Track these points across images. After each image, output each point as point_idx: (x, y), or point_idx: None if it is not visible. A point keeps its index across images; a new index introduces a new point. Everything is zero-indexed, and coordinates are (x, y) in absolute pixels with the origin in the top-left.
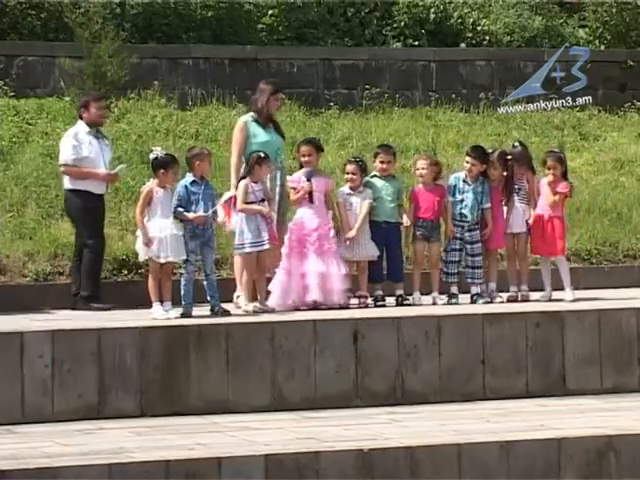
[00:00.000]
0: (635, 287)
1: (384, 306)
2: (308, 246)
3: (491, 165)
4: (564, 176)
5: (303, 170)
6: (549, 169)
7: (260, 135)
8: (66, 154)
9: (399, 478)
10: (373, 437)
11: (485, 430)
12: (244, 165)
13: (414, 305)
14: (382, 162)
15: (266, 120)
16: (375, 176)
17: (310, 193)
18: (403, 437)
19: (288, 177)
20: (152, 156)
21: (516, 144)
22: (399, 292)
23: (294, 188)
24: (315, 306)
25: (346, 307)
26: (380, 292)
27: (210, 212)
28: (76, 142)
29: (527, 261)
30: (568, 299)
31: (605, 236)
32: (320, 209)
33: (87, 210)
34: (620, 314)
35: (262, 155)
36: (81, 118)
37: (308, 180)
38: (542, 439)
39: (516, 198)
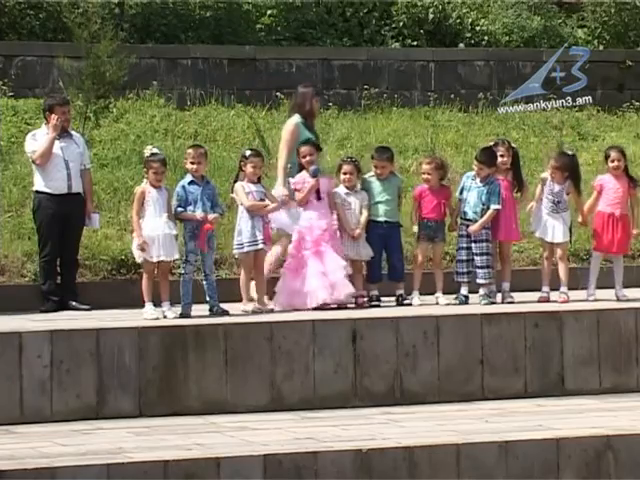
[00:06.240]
0: (634, 287)
1: (379, 306)
2: (323, 244)
3: (505, 154)
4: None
5: (311, 168)
6: (613, 161)
7: (308, 138)
8: (29, 149)
9: (397, 478)
10: (371, 437)
11: (484, 430)
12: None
13: (412, 305)
14: (376, 166)
15: (312, 122)
16: (372, 176)
17: (317, 191)
18: (401, 437)
19: (290, 179)
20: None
21: (569, 152)
22: (399, 292)
23: (297, 189)
24: (323, 306)
25: (344, 307)
26: (376, 292)
27: (210, 215)
28: (34, 140)
29: (567, 261)
30: (623, 298)
31: None
32: (326, 208)
33: (44, 214)
34: (619, 314)
35: (247, 153)
36: (46, 120)
37: (314, 177)
38: (541, 439)
39: (555, 209)
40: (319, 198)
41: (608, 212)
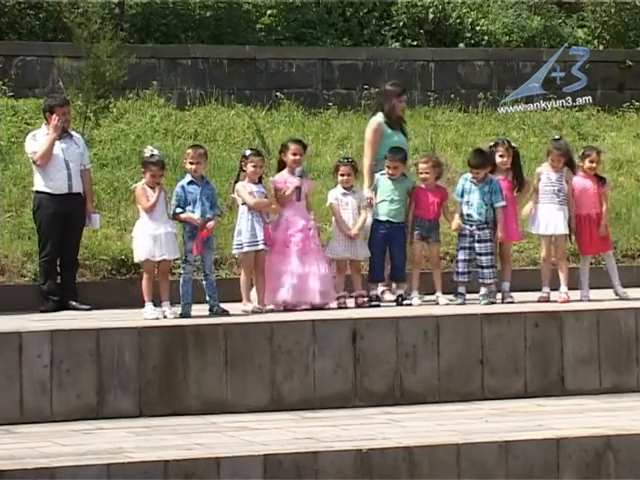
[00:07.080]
0: (634, 287)
1: (378, 306)
2: (291, 246)
3: (505, 154)
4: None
5: (297, 169)
6: (592, 162)
7: (391, 136)
8: (30, 150)
9: (397, 478)
10: (372, 437)
11: (484, 430)
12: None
13: (412, 305)
14: (388, 167)
15: (395, 122)
16: (384, 174)
17: (299, 190)
18: (402, 437)
19: (271, 178)
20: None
21: (557, 137)
22: (400, 292)
23: (278, 189)
24: (285, 307)
25: (344, 307)
26: (376, 292)
27: (209, 216)
28: (34, 141)
29: (566, 261)
30: (624, 295)
31: None
32: (304, 209)
33: (45, 214)
34: (618, 314)
35: (247, 153)
36: (47, 120)
37: (300, 177)
38: (541, 439)
39: (556, 200)
40: (298, 199)
41: (583, 214)
